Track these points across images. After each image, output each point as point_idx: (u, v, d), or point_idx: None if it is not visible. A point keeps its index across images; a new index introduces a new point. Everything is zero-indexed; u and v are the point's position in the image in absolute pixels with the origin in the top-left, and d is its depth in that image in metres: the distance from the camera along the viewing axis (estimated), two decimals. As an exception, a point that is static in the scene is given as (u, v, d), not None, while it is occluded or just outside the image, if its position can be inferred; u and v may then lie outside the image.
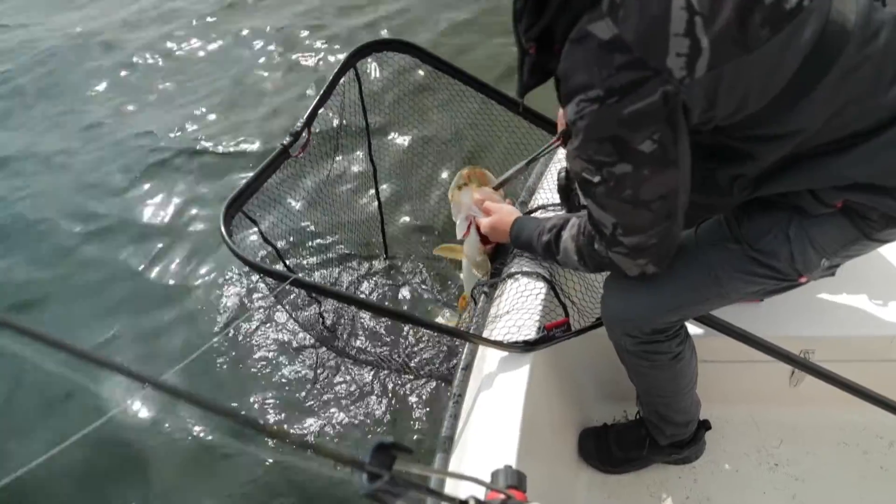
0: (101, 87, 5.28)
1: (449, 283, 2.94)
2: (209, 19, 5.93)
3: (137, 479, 2.50)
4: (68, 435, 0.64)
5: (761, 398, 2.01)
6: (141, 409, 2.61)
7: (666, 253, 1.31)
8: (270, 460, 2.39)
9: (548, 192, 2.04)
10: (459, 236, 1.94)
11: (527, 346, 1.61)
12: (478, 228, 1.87)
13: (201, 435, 2.55)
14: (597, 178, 1.18)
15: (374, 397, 2.57)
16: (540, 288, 1.75)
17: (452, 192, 1.94)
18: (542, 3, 1.15)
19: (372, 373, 2.62)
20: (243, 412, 0.70)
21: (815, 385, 1.62)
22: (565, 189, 1.88)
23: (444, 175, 2.58)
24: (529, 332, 1.64)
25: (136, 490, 2.47)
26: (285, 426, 2.32)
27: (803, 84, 1.11)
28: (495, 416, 1.48)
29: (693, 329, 1.64)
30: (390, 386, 2.58)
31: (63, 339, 0.63)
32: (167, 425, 2.62)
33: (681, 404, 1.73)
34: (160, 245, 3.61)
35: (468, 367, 1.69)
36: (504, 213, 1.78)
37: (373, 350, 2.52)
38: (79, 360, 0.63)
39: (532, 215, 1.93)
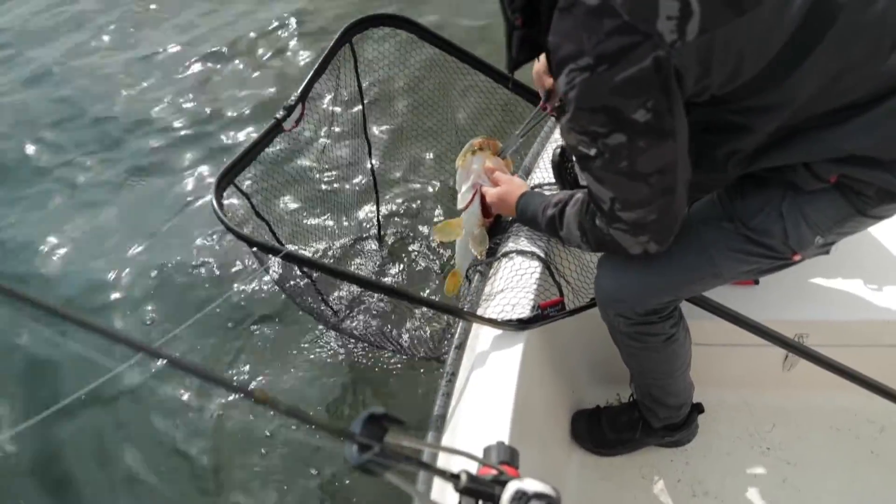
0: (91, 55, 5.19)
1: (442, 259, 2.92)
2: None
3: (127, 445, 2.50)
4: (59, 399, 0.62)
5: (755, 382, 2.01)
6: (131, 377, 2.60)
7: (668, 229, 1.29)
8: (261, 429, 2.39)
9: (544, 172, 2.02)
10: (461, 206, 1.91)
11: (521, 325, 1.59)
12: (482, 199, 1.85)
13: (190, 401, 2.56)
14: (593, 151, 1.16)
15: (365, 374, 2.56)
16: (535, 267, 1.74)
17: (463, 158, 1.90)
18: None
19: (363, 349, 2.61)
20: (234, 379, 0.68)
21: (809, 369, 1.62)
22: (559, 167, 1.86)
23: (439, 151, 2.55)
24: (524, 311, 1.62)
25: (125, 454, 2.47)
26: (276, 395, 2.29)
27: (799, 49, 1.09)
28: (488, 395, 1.47)
29: (687, 311, 1.63)
30: (382, 363, 2.57)
31: (56, 305, 0.62)
32: (156, 392, 2.62)
33: (674, 387, 1.72)
34: (150, 216, 3.57)
35: (461, 346, 1.68)
36: (514, 185, 1.75)
37: (364, 326, 2.51)
38: (71, 326, 0.61)
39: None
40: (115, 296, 3.13)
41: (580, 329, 1.76)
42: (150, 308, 3.04)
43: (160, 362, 0.63)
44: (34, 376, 2.77)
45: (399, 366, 2.54)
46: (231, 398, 2.36)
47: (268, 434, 2.40)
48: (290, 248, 1.83)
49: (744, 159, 1.27)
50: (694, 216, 1.44)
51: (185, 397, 2.58)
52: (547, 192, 1.82)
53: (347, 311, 2.51)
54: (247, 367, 2.70)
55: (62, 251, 3.44)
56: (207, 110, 4.34)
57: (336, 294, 2.47)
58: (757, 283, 1.86)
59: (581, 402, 2.03)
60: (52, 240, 3.52)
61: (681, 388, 1.74)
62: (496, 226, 1.97)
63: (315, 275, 2.00)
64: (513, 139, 1.96)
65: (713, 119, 1.22)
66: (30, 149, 4.29)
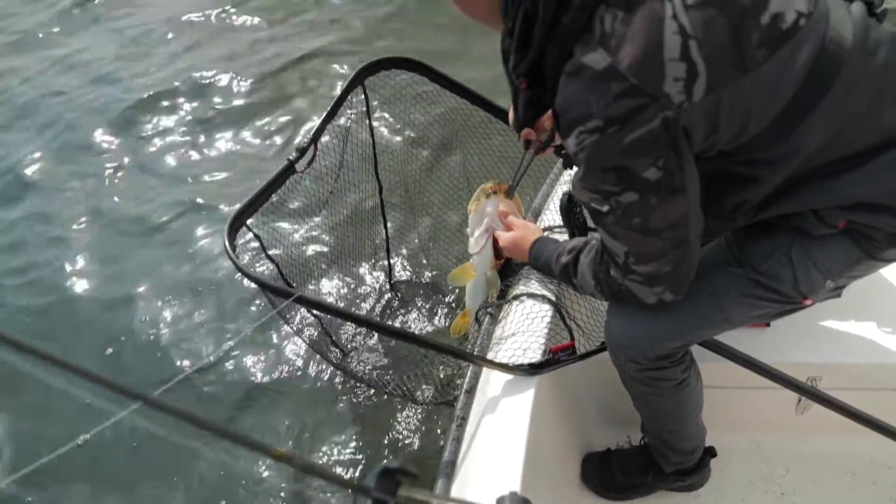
0: (107, 89, 5.28)
1: (452, 302, 2.91)
2: (217, 31, 5.92)
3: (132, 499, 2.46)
4: (51, 449, 0.62)
5: (767, 425, 1.98)
6: (135, 427, 2.57)
7: (683, 279, 1.29)
8: (274, 483, 2.35)
9: (554, 214, 2.03)
10: (474, 250, 1.92)
11: (532, 370, 1.58)
12: (494, 242, 1.85)
13: (197, 455, 2.49)
14: (605, 208, 1.17)
15: (374, 418, 2.53)
16: (546, 310, 1.74)
17: (476, 202, 1.91)
18: (526, 40, 1.17)
19: (373, 393, 2.59)
20: (243, 432, 0.68)
21: (823, 413, 1.60)
22: (568, 213, 1.87)
23: (450, 193, 2.57)
24: (535, 355, 1.62)
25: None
26: (288, 448, 2.27)
27: (804, 103, 1.10)
28: (499, 441, 1.45)
29: (698, 354, 1.62)
30: (391, 407, 2.55)
31: (54, 352, 0.62)
32: (161, 445, 2.54)
33: (686, 431, 1.70)
34: (160, 257, 3.57)
35: (471, 390, 1.67)
36: (528, 230, 1.75)
37: (374, 371, 2.50)
38: (70, 374, 0.62)
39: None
40: (116, 341, 3.09)
41: (590, 371, 1.75)
42: (152, 354, 3.00)
43: (167, 413, 0.62)
44: (25, 425, 2.75)
45: (407, 411, 2.52)
46: (239, 451, 2.34)
47: (281, 487, 2.35)
48: (300, 289, 1.83)
49: (751, 209, 1.28)
50: (703, 261, 1.43)
51: (191, 450, 2.52)
52: (557, 236, 1.82)
53: (356, 354, 2.51)
54: (256, 418, 2.66)
55: (58, 293, 3.43)
56: (219, 149, 4.39)
57: (346, 336, 2.47)
58: (768, 325, 1.85)
59: (591, 445, 2.01)
60: (51, 281, 3.51)
61: (693, 432, 1.72)
62: (507, 267, 1.97)
63: (324, 318, 2.01)
64: (512, 185, 1.97)
65: (720, 171, 1.23)
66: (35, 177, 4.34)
